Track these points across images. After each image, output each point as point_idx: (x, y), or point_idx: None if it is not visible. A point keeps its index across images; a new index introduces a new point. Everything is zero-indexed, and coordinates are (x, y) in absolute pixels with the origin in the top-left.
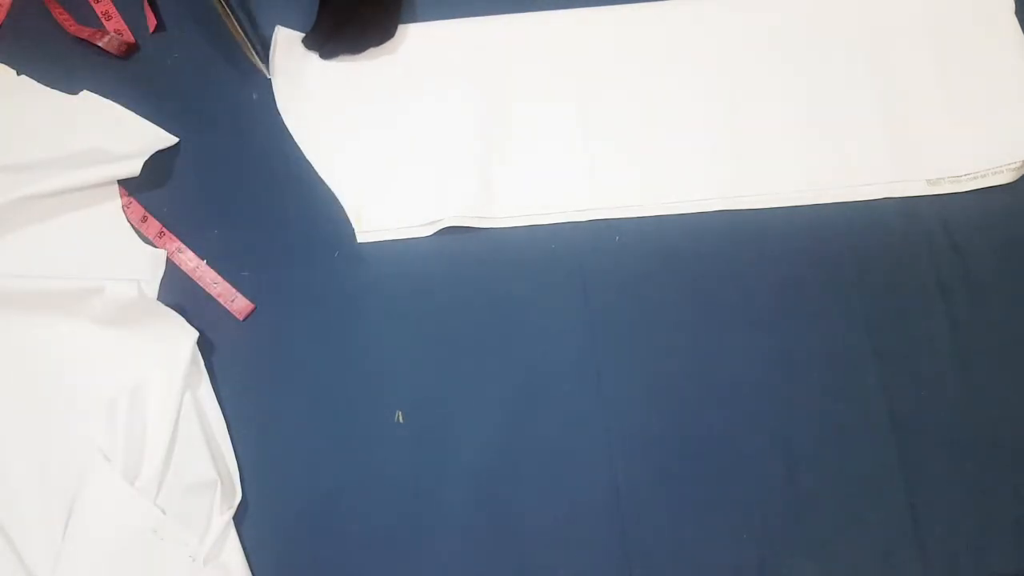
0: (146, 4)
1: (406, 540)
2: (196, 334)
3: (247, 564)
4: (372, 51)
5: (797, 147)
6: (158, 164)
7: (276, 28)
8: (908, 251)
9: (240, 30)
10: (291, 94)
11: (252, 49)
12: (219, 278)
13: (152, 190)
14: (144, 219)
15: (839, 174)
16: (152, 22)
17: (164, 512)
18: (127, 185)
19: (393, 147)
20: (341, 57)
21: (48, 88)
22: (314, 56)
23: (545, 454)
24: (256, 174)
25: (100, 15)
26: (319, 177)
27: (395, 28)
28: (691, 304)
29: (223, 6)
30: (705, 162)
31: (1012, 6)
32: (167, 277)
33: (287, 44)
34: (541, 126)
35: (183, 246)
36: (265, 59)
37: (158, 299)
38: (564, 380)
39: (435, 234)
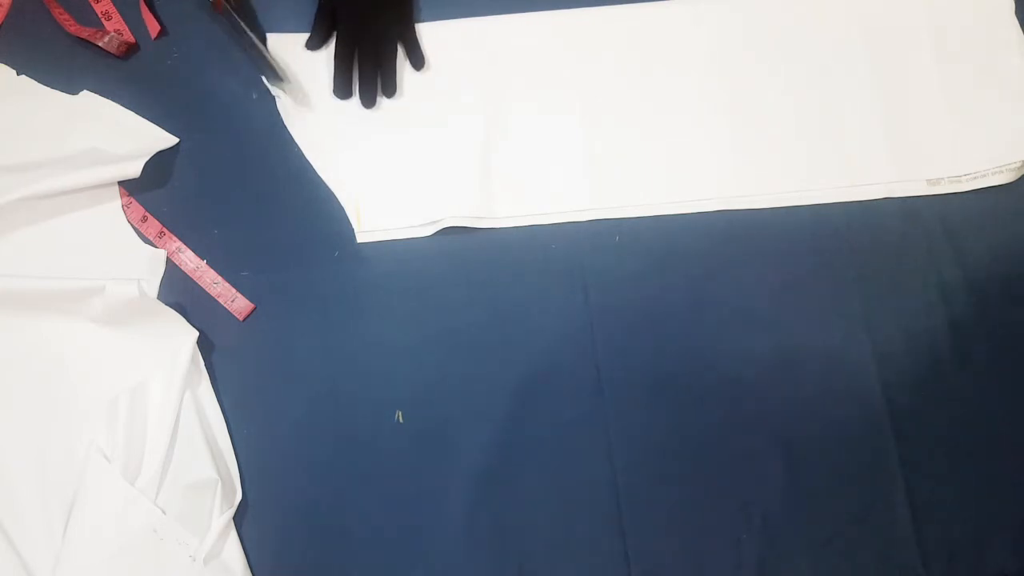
0: (145, 10)
1: (406, 539)
2: (196, 334)
3: (247, 563)
4: None
5: (797, 147)
6: (158, 164)
7: (267, 35)
8: (908, 251)
9: (258, 41)
10: (291, 94)
11: (271, 59)
12: (219, 278)
13: (152, 190)
14: (144, 219)
15: (839, 174)
16: (154, 28)
17: (164, 512)
18: (127, 185)
19: (393, 147)
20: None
21: (48, 88)
22: (311, 57)
23: (545, 454)
24: (256, 174)
25: (100, 15)
26: (319, 177)
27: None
28: (691, 304)
29: (238, 22)
30: (705, 162)
31: (1012, 6)
32: (167, 277)
33: (281, 47)
34: (541, 126)
35: (183, 246)
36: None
37: (158, 299)
38: (564, 380)
39: (435, 234)
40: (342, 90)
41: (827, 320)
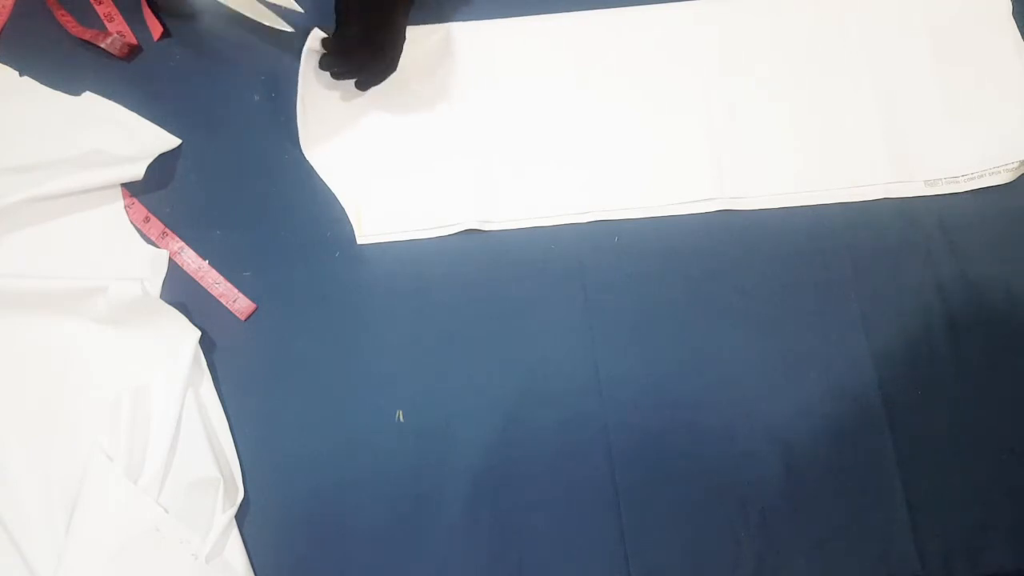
0: (148, 12)
1: (406, 538)
2: (198, 333)
3: (249, 562)
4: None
5: (796, 148)
6: (161, 165)
7: (313, 31)
8: (906, 251)
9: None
10: (314, 96)
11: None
12: (221, 278)
13: (155, 191)
14: (147, 220)
15: (837, 175)
16: (156, 30)
17: (167, 510)
18: (130, 186)
19: (394, 150)
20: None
21: (51, 89)
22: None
23: (545, 454)
24: (258, 175)
25: (103, 17)
26: (320, 178)
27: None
28: (690, 304)
29: None
30: (705, 162)
31: (1009, 8)
32: (169, 277)
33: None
34: (541, 128)
35: (185, 247)
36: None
37: (161, 299)
38: (564, 380)
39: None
40: (328, 66)
41: (825, 320)
